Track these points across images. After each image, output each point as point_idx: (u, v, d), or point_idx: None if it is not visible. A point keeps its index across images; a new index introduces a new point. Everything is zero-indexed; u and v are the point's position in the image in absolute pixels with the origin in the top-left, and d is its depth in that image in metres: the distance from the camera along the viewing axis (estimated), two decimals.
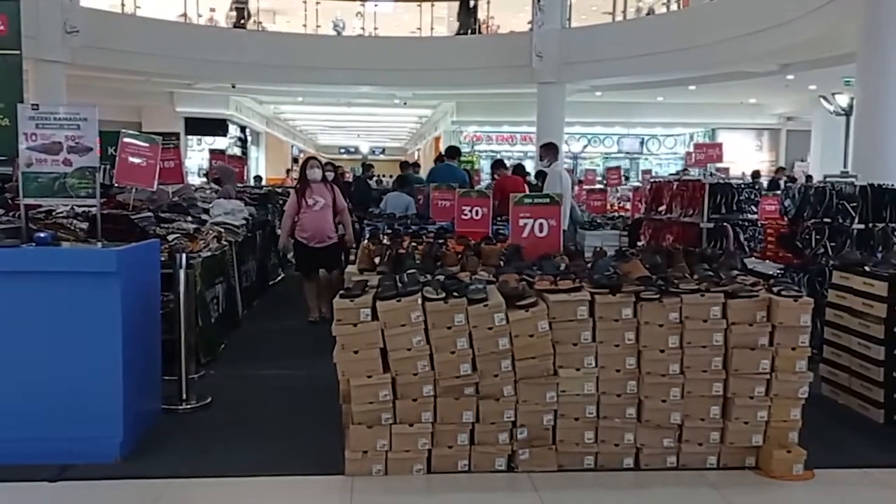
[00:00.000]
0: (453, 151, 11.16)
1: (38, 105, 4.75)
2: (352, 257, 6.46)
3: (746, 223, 7.11)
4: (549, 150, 9.14)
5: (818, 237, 6.23)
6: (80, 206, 5.76)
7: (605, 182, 14.42)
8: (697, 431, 4.08)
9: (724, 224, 6.86)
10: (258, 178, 20.35)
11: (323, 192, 7.51)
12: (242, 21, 19.22)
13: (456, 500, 3.77)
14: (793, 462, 4.01)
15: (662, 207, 7.12)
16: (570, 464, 4.05)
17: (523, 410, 4.00)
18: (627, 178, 18.54)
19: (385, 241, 5.89)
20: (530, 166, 16.50)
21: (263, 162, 28.98)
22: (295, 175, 18.05)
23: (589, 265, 4.63)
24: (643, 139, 25.54)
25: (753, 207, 7.35)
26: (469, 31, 18.84)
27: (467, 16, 19.02)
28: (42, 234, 4.23)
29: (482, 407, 3.97)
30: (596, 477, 4.01)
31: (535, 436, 4.02)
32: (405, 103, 22.93)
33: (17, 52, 4.39)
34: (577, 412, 4.03)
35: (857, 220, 6.20)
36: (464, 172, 11.06)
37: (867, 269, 5.09)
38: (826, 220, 6.31)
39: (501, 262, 4.88)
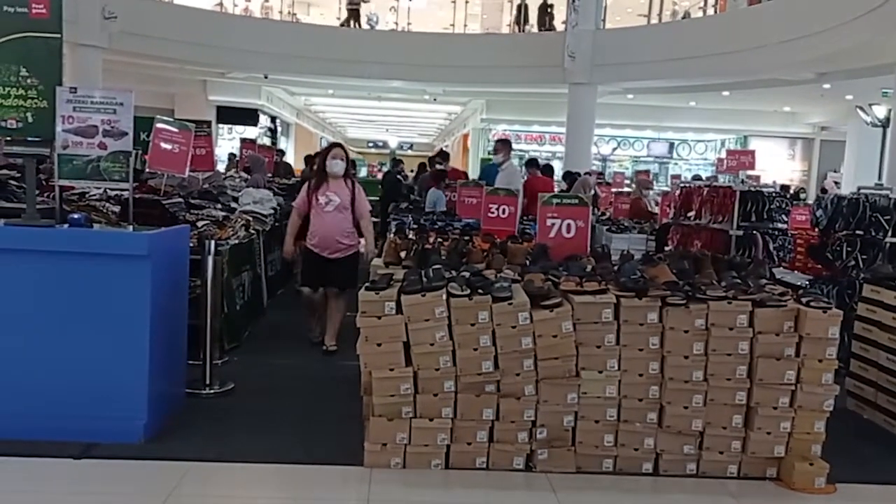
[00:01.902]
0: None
1: (76, 88, 4.81)
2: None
3: (776, 232, 7.03)
4: (504, 146, 8.66)
5: (849, 249, 6.14)
6: (112, 190, 5.84)
7: (633, 185, 14.33)
8: (719, 439, 4.05)
9: (754, 232, 6.79)
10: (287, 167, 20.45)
11: (340, 190, 6.02)
12: (352, 22, 19.43)
13: (473, 496, 3.77)
14: (815, 475, 3.97)
15: (692, 213, 7.06)
16: (588, 466, 4.04)
17: (544, 410, 3.99)
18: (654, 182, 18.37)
19: (411, 237, 5.90)
20: (558, 167, 16.44)
21: (292, 153, 29.15)
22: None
23: (615, 268, 4.60)
24: (673, 143, 25.31)
25: (784, 217, 7.27)
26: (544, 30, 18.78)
27: (543, 14, 18.91)
28: (75, 216, 4.30)
29: (503, 405, 3.97)
30: (614, 480, 3.99)
31: (554, 436, 4.02)
32: (435, 99, 22.94)
33: (58, 35, 4.44)
34: (598, 415, 4.02)
35: (890, 234, 6.10)
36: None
37: None
38: (858, 232, 6.22)
39: (527, 262, 4.87)
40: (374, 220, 8.15)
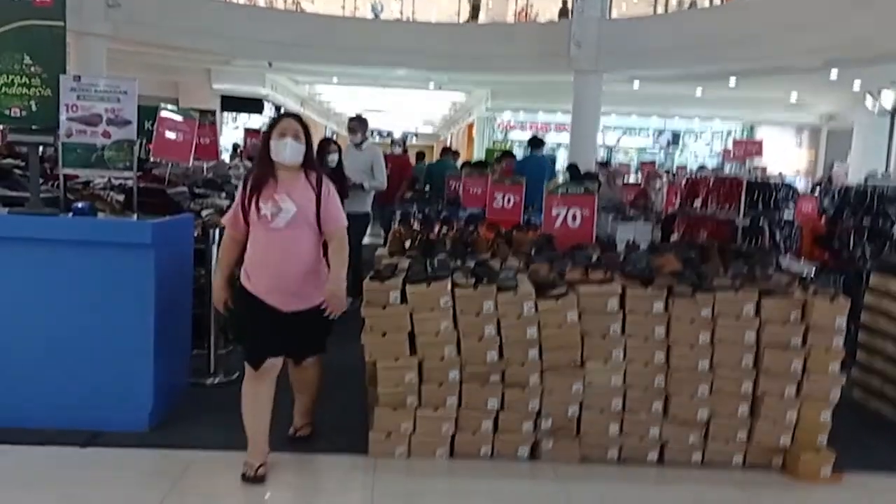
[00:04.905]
0: (538, 142, 10.86)
1: (80, 76, 4.79)
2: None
3: (783, 222, 6.98)
4: (361, 124, 7.83)
5: (857, 239, 6.11)
6: (116, 179, 5.82)
7: (638, 176, 14.28)
8: (724, 429, 4.04)
9: (761, 222, 6.74)
10: None
11: (298, 191, 3.60)
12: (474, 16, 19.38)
13: (477, 485, 3.77)
14: (821, 464, 3.96)
15: (698, 202, 7.02)
16: (593, 456, 4.03)
17: (548, 400, 3.99)
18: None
19: (416, 227, 5.89)
20: (564, 157, 16.36)
21: None
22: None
23: (621, 258, 4.58)
24: (679, 133, 25.19)
25: (791, 206, 7.22)
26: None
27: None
28: (80, 205, 4.29)
29: (507, 395, 3.97)
30: (619, 470, 3.99)
31: (559, 426, 4.01)
32: (440, 87, 22.86)
33: (62, 23, 4.41)
34: (603, 404, 4.01)
35: None
36: (549, 164, 10.79)
37: None
38: (866, 221, 6.18)
39: (532, 251, 4.86)
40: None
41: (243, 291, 3.67)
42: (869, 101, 16.34)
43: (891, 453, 4.41)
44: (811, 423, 4.01)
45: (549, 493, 3.73)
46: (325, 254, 3.71)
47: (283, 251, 3.57)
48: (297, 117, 3.75)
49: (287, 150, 3.59)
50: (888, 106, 15.65)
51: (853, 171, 17.98)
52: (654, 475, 3.97)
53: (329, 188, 3.69)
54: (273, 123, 3.71)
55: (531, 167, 9.03)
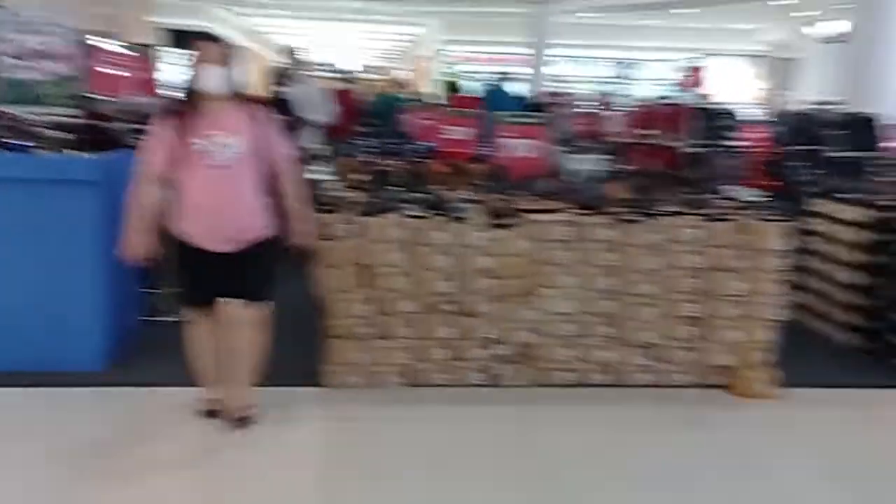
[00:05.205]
0: (504, 76, 10.73)
1: (16, 12, 4.59)
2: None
3: (731, 149, 7.09)
4: (293, 57, 7.20)
5: (802, 164, 6.24)
6: (53, 115, 5.63)
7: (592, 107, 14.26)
8: (671, 351, 4.17)
9: (708, 149, 6.84)
10: None
11: (235, 124, 3.27)
12: None
13: (433, 412, 3.85)
14: (762, 382, 4.12)
15: (647, 131, 7.08)
16: (546, 380, 4.13)
17: (501, 327, 4.05)
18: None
19: (367, 159, 5.82)
20: (517, 89, 16.22)
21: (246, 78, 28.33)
22: None
23: (572, 187, 4.62)
24: (630, 64, 25.18)
25: (738, 134, 7.31)
26: None
27: None
28: (17, 142, 4.14)
29: (461, 323, 4.02)
30: (571, 392, 4.10)
31: (512, 352, 4.09)
32: (394, 20, 22.39)
33: None
34: (555, 330, 4.10)
35: (840, 149, 6.20)
36: (514, 99, 10.69)
37: (846, 196, 5.13)
38: (811, 147, 6.31)
39: (485, 183, 4.85)
40: None
41: (171, 237, 3.32)
42: (812, 31, 16.50)
43: (826, 368, 4.63)
44: (753, 342, 4.15)
45: (503, 417, 3.83)
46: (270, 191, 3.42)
47: (224, 190, 3.24)
48: (221, 41, 3.43)
49: (212, 79, 3.23)
50: (826, 33, 15.81)
51: (802, 99, 18.20)
52: (605, 397, 4.10)
53: (274, 120, 3.44)
54: (193, 50, 3.30)
55: (496, 101, 9.00)
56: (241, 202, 3.30)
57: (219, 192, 3.25)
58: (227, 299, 3.39)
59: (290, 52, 7.44)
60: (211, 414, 3.59)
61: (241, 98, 3.35)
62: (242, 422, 3.53)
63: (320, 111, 7.37)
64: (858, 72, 9.34)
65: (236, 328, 3.42)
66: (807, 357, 4.75)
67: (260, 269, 3.43)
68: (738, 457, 3.51)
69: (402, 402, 3.93)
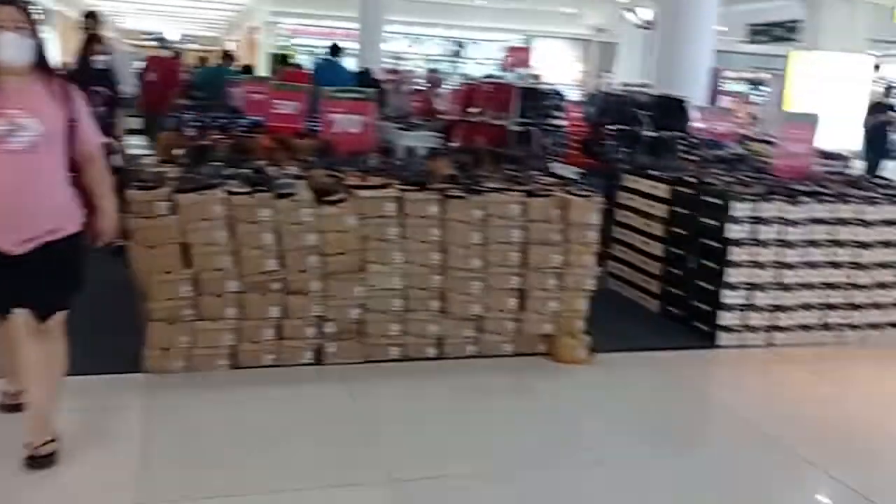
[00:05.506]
0: (337, 49, 10.43)
1: None
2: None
3: (552, 128, 7.42)
4: (94, 21, 6.50)
5: (614, 143, 6.64)
6: None
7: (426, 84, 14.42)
8: (496, 322, 4.33)
9: (531, 127, 7.12)
10: None
11: (36, 103, 2.76)
12: None
13: (261, 392, 3.78)
14: (578, 348, 4.38)
15: (474, 109, 7.26)
16: (376, 355, 4.17)
17: (331, 305, 4.04)
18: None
19: (189, 133, 5.57)
20: (352, 64, 16.07)
21: (58, 46, 26.08)
22: None
23: (400, 163, 4.67)
24: (462, 42, 25.69)
25: (560, 113, 7.67)
26: None
27: None
28: None
29: (289, 302, 3.97)
30: (401, 367, 4.17)
31: (342, 329, 4.10)
32: None
33: None
34: (384, 306, 4.14)
35: (649, 128, 6.66)
36: (350, 73, 10.43)
37: (652, 172, 5.53)
38: (623, 126, 6.73)
39: (312, 158, 4.80)
40: None
41: None
42: (630, 15, 17.56)
43: (638, 333, 4.99)
44: (571, 311, 4.41)
45: (333, 394, 3.83)
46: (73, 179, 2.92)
47: (19, 180, 2.70)
48: (17, 3, 2.78)
49: (7, 47, 2.69)
50: (646, 18, 16.89)
51: (618, 81, 19.33)
52: (434, 369, 4.20)
53: (81, 99, 2.94)
54: None
55: (328, 74, 8.80)
56: (43, 194, 2.78)
57: (15, 181, 2.71)
58: (21, 310, 2.86)
59: (94, 16, 6.71)
60: (10, 408, 3.28)
61: (44, 71, 2.85)
62: (40, 462, 2.91)
63: (127, 81, 6.88)
64: (668, 57, 10.02)
65: (34, 345, 2.90)
66: (620, 323, 5.09)
67: (64, 274, 2.93)
68: (557, 420, 3.73)
69: (229, 385, 3.83)
